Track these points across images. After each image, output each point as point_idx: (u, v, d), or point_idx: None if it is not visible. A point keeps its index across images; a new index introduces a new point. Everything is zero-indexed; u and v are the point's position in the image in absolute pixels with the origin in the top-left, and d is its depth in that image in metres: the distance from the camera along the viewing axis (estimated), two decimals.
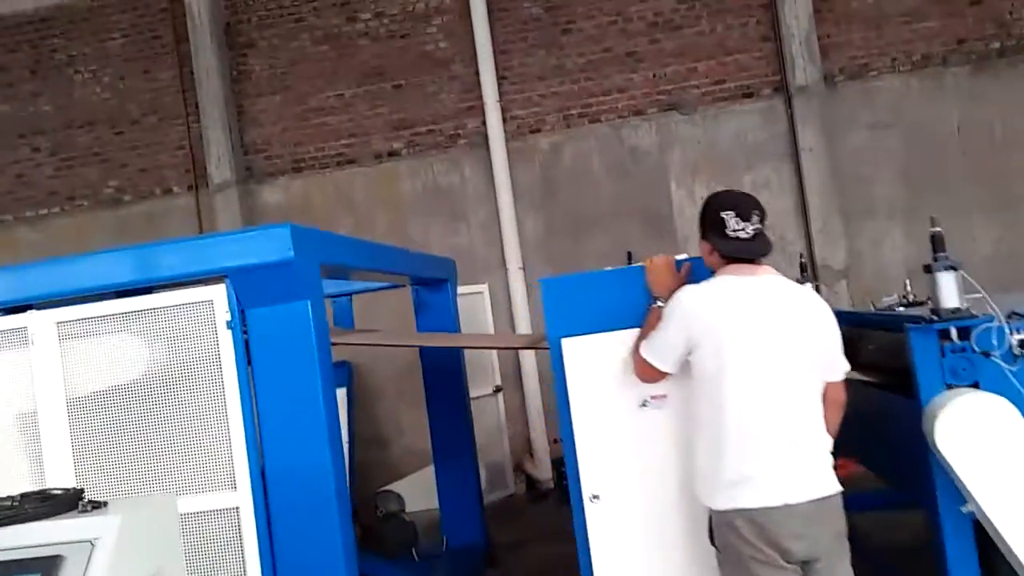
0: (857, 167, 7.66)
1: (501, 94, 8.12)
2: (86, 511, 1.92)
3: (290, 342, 3.14)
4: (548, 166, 8.17)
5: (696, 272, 2.88)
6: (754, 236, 2.67)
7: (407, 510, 6.34)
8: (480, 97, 8.15)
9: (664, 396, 2.91)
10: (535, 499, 7.68)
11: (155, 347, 3.19)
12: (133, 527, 1.86)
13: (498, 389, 7.42)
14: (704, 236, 2.75)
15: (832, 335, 2.69)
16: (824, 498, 2.55)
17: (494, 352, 7.40)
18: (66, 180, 8.99)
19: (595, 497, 2.94)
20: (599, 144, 8.09)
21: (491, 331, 7.54)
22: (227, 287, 3.09)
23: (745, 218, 2.66)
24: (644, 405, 2.93)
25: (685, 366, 2.69)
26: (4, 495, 1.97)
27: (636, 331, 2.89)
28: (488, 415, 6.92)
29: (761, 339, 2.56)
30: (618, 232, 7.91)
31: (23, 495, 1.95)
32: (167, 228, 8.51)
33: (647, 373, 2.77)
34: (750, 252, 2.67)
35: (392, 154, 8.43)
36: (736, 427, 2.54)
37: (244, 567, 3.02)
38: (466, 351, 5.96)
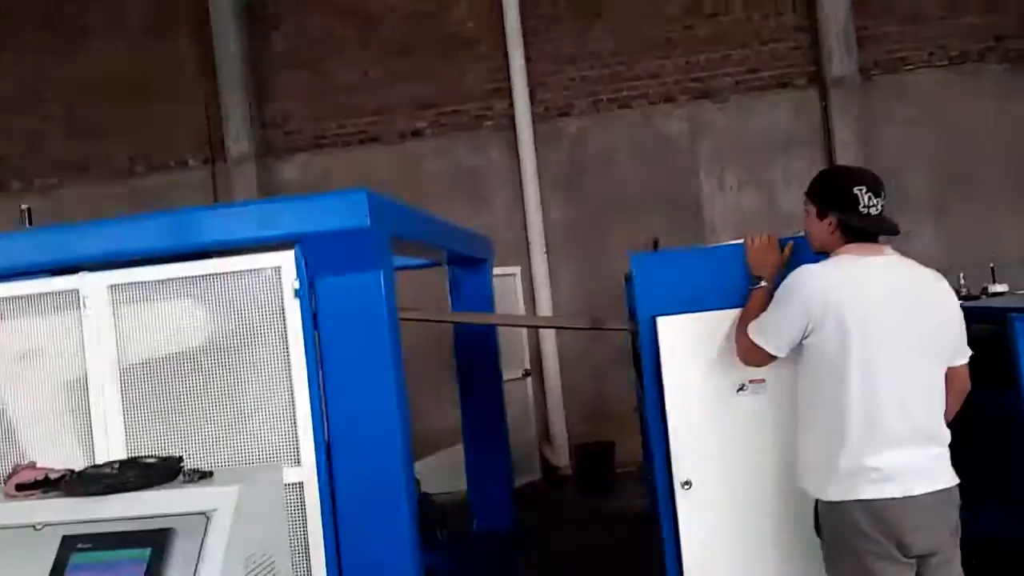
0: (890, 161, 7.54)
1: (529, 76, 7.97)
2: (192, 481, 1.78)
3: (361, 314, 3.00)
4: (575, 151, 8.04)
5: (801, 252, 2.76)
6: (881, 213, 2.55)
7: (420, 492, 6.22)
8: (508, 79, 8.00)
9: (762, 381, 2.80)
10: (554, 485, 7.59)
11: (216, 315, 3.04)
12: (248, 499, 1.72)
13: (527, 373, 7.31)
14: (825, 212, 2.61)
15: (958, 318, 2.58)
16: (944, 490, 2.45)
17: (524, 335, 7.28)
18: (77, 149, 8.77)
19: (687, 484, 2.82)
20: (628, 130, 7.96)
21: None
22: (296, 253, 2.94)
23: (876, 194, 2.54)
24: (742, 390, 2.82)
25: (794, 350, 2.57)
26: (103, 462, 1.82)
27: (735, 312, 2.77)
28: (516, 399, 6.79)
29: (889, 322, 2.44)
30: (645, 220, 7.79)
31: (122, 462, 1.81)
32: (181, 201, 8.27)
33: (754, 357, 2.66)
34: (884, 229, 2.55)
35: (416, 133, 8.27)
36: (859, 415, 2.43)
37: (307, 545, 2.88)
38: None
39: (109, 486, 1.73)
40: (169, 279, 3.01)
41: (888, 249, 2.59)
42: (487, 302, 5.54)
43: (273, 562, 1.91)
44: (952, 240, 7.35)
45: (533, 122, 7.94)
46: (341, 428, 2.99)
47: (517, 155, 7.95)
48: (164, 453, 2.99)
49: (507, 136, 8.04)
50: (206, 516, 1.67)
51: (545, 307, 7.88)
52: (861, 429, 2.43)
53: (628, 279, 5.58)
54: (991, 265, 4.86)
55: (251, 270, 2.98)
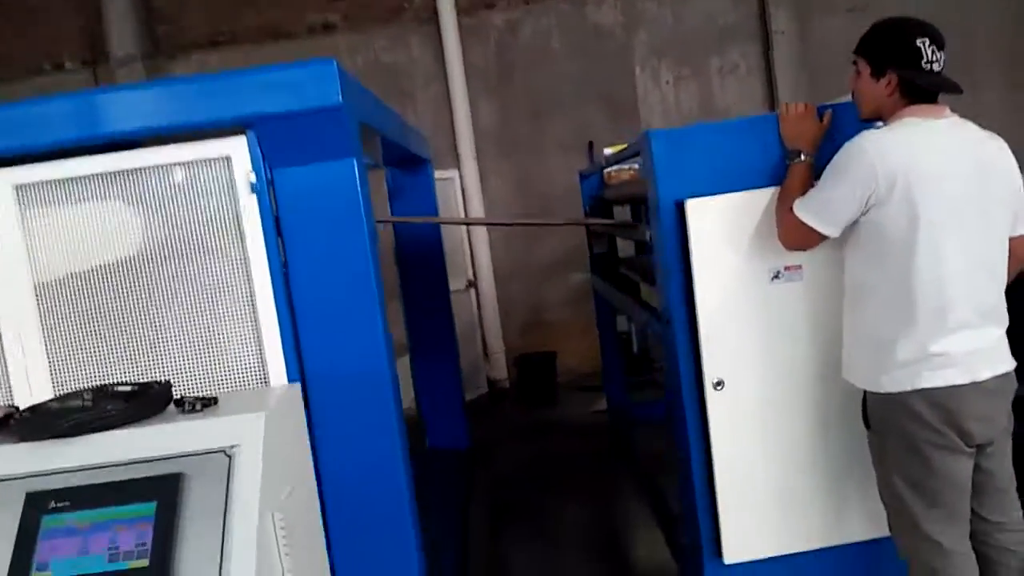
0: (828, 54, 7.37)
1: None
2: (195, 410, 1.35)
3: (332, 211, 2.52)
4: (504, 46, 7.50)
5: (843, 120, 2.47)
6: (943, 69, 2.27)
7: None
8: None
9: (799, 267, 2.53)
10: (494, 399, 7.36)
11: (153, 218, 2.52)
12: (274, 429, 1.31)
13: (471, 284, 6.93)
14: (883, 70, 2.31)
15: (1020, 182, 2.36)
16: (1006, 374, 2.28)
17: (465, 245, 6.87)
18: None
19: (719, 384, 2.55)
20: (559, 22, 7.46)
21: None
22: (249, 140, 2.44)
23: (940, 47, 2.25)
24: (776, 278, 2.54)
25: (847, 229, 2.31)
26: (69, 391, 1.37)
27: (770, 191, 2.47)
28: (461, 312, 6.44)
29: (957, 192, 2.21)
30: (578, 118, 7.42)
31: (94, 391, 1.35)
32: None
33: (801, 240, 2.37)
34: (949, 87, 2.27)
35: (328, 27, 7.52)
36: (926, 296, 2.20)
37: None
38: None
39: (82, 423, 1.29)
40: (92, 175, 2.45)
41: (948, 110, 2.32)
42: (431, 207, 5.09)
43: (302, 500, 1.53)
44: None
45: (457, 14, 7.32)
46: (315, 346, 2.56)
47: (441, 51, 7.36)
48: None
49: (429, 30, 7.41)
50: (226, 454, 1.27)
51: (477, 213, 7.46)
52: (928, 311, 2.21)
53: (584, 176, 5.28)
54: None
55: (194, 161, 2.46)
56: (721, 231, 2.52)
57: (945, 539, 2.27)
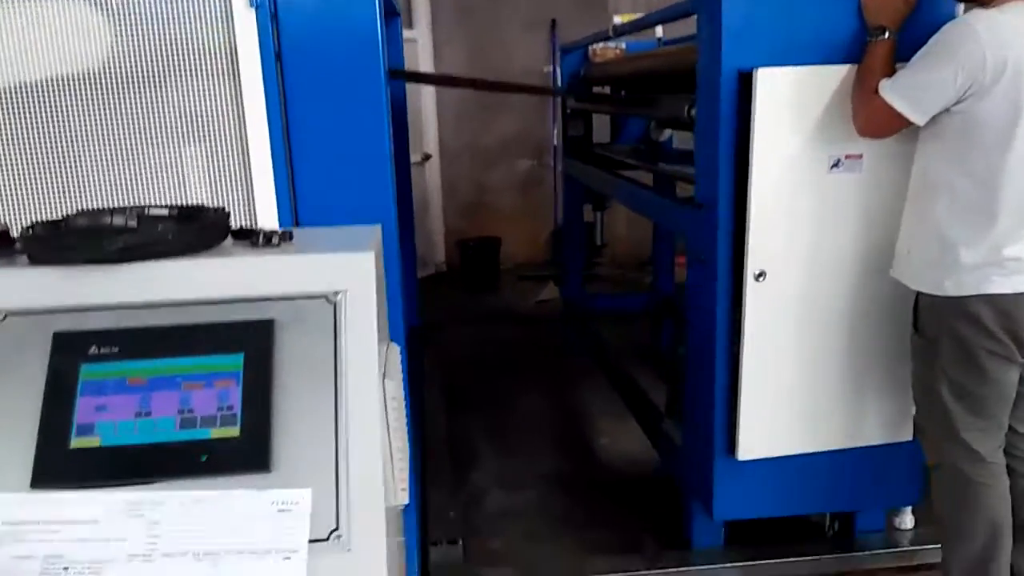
0: None
1: None
2: (271, 244, 1.04)
3: (343, 37, 2.17)
4: None
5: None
6: None
7: None
8: None
9: (860, 156, 2.33)
10: (433, 281, 7.13)
11: (129, 28, 2.10)
12: (381, 276, 1.02)
13: (427, 157, 6.52)
14: None
15: None
16: None
17: (424, 116, 6.43)
18: None
19: (761, 275, 2.37)
20: None
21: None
22: None
23: None
24: (836, 166, 2.33)
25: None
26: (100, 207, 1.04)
27: (844, 68, 2.24)
28: (415, 186, 6.07)
29: None
30: None
31: (137, 211, 1.02)
32: None
33: (883, 124, 2.19)
34: None
35: None
36: (1013, 195, 2.05)
37: None
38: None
39: (134, 247, 0.94)
40: None
41: None
42: (399, 67, 4.65)
43: (394, 363, 1.24)
44: None
45: None
46: (314, 194, 2.23)
47: None
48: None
49: None
50: (329, 300, 0.96)
51: (427, 89, 7.00)
52: (1011, 213, 2.07)
53: (567, 50, 4.91)
54: None
55: None
56: (787, 109, 2.27)
57: (983, 448, 2.21)
